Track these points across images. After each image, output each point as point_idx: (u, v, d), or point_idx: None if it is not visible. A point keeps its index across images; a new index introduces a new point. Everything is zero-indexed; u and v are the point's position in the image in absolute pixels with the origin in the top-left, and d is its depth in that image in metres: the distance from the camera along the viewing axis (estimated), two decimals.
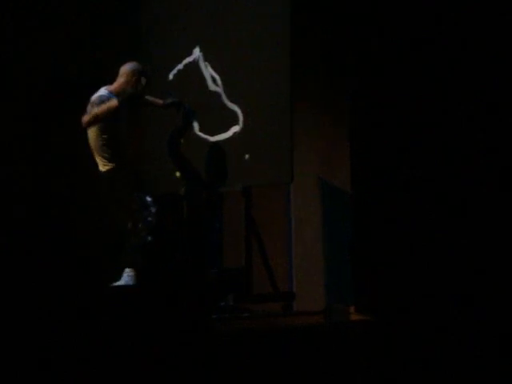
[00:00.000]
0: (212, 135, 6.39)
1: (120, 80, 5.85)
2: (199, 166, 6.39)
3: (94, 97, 5.76)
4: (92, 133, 5.78)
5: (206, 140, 6.41)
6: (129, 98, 5.81)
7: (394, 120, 5.63)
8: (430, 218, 5.49)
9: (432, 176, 5.56)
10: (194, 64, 6.50)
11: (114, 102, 5.67)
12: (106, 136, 5.74)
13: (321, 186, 6.63)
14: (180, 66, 6.57)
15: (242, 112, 6.25)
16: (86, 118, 5.72)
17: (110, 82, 5.88)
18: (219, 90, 6.38)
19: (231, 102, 6.31)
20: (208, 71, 6.44)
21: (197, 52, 6.49)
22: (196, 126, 6.47)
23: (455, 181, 5.47)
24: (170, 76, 6.61)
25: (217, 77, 6.40)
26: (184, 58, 6.54)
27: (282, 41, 6.08)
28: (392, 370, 5.12)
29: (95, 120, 5.69)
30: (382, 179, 5.80)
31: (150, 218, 5.81)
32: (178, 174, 6.46)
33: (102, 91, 5.79)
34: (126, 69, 5.86)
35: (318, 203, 6.64)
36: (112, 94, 5.76)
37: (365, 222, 5.81)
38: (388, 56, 5.63)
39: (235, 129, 6.29)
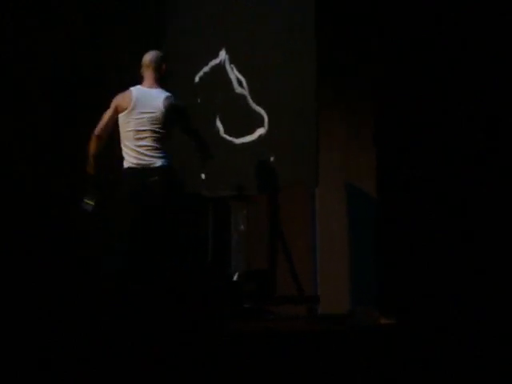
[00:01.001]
0: (237, 137, 6.40)
1: (153, 72, 5.82)
2: (224, 168, 6.40)
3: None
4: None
5: (231, 142, 6.42)
6: None
7: (421, 125, 5.61)
8: (457, 222, 5.47)
9: (458, 180, 5.54)
10: (220, 66, 6.51)
11: None
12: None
13: (346, 190, 6.62)
14: (206, 69, 6.58)
15: (268, 114, 6.25)
16: None
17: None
18: (245, 92, 6.38)
19: (257, 104, 6.31)
20: (234, 73, 6.45)
21: (223, 54, 6.50)
22: (221, 128, 6.47)
23: (481, 184, 5.44)
24: (197, 78, 6.63)
25: (242, 79, 6.40)
26: (210, 60, 6.56)
27: (307, 44, 6.06)
28: (417, 374, 5.09)
29: None
30: (407, 184, 5.78)
31: None
32: (203, 175, 6.47)
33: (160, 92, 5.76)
34: (153, 58, 5.80)
35: (344, 207, 6.62)
36: None
37: (390, 225, 5.79)
38: (414, 60, 5.61)
39: (260, 131, 6.29)
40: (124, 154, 5.67)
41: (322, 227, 6.72)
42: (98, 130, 5.64)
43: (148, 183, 5.61)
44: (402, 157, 5.95)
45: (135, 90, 5.69)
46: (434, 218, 5.65)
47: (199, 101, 6.59)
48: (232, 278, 6.14)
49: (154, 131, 5.63)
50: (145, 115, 5.64)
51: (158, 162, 5.64)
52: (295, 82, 6.14)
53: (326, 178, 6.29)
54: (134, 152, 5.63)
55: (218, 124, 6.49)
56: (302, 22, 6.11)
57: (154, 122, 5.64)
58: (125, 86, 5.98)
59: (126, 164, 5.66)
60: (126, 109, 5.65)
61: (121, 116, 5.66)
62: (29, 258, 6.58)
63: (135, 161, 5.62)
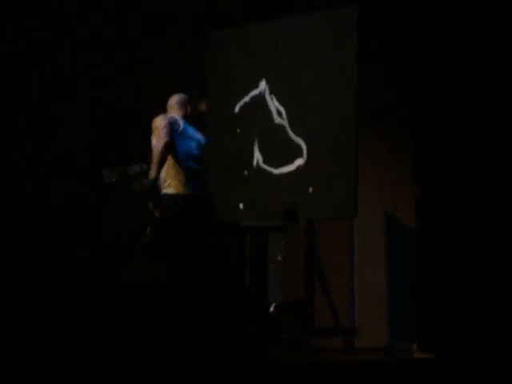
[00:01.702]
0: (276, 168, 6.40)
1: (177, 112, 5.97)
2: (262, 198, 6.40)
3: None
4: None
5: (269, 172, 6.42)
6: None
7: (459, 157, 5.57)
8: (501, 255, 5.39)
9: (500, 213, 5.47)
10: (260, 97, 6.53)
11: None
12: None
13: (385, 221, 6.58)
14: (246, 99, 6.61)
15: (307, 145, 6.25)
16: None
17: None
18: (284, 122, 6.39)
19: (296, 134, 6.32)
20: (274, 104, 6.46)
21: (263, 85, 6.53)
22: (260, 158, 6.49)
23: None
24: (237, 108, 6.65)
25: (282, 110, 6.41)
26: (250, 90, 6.58)
27: (347, 76, 6.08)
28: None
29: None
30: (447, 215, 5.72)
31: None
32: (241, 205, 6.47)
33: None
34: (176, 99, 6.02)
35: (382, 238, 6.58)
36: None
37: (430, 258, 5.73)
38: (453, 94, 5.58)
39: (299, 162, 6.29)
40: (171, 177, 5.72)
41: (360, 258, 6.68)
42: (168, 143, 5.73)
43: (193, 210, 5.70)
44: (442, 188, 5.90)
45: (176, 117, 5.86)
46: (476, 251, 5.58)
47: (239, 131, 6.61)
48: (269, 308, 6.11)
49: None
50: (192, 142, 5.80)
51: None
52: (334, 113, 6.14)
53: (364, 209, 6.24)
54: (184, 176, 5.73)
55: (257, 154, 6.50)
56: (342, 55, 6.12)
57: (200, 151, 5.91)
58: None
59: (173, 190, 5.74)
60: (176, 130, 5.76)
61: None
62: (29, 258, 6.57)
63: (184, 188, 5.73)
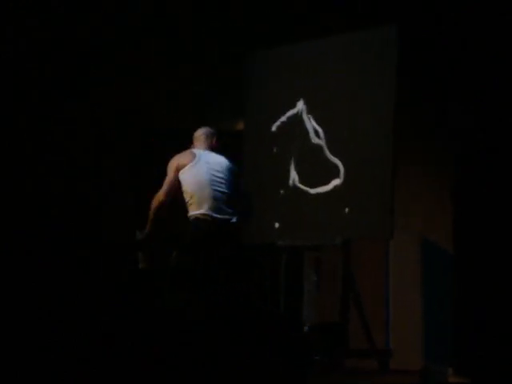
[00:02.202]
0: (312, 187, 6.39)
1: (203, 143, 5.99)
2: (298, 218, 6.39)
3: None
4: None
5: (306, 192, 6.42)
6: None
7: (499, 182, 5.53)
8: None
9: None
10: (297, 116, 6.54)
11: None
12: None
13: (422, 244, 6.54)
14: (283, 118, 6.62)
15: (344, 165, 6.25)
16: None
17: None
18: (321, 142, 6.39)
19: (333, 155, 6.31)
20: (311, 124, 6.46)
21: (300, 104, 6.53)
22: (297, 177, 6.49)
23: None
24: (274, 128, 6.66)
25: (319, 130, 6.41)
26: (287, 110, 6.59)
27: (385, 97, 6.07)
28: None
29: None
30: (485, 239, 5.68)
31: None
32: (277, 224, 6.47)
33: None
34: (203, 131, 6.02)
35: (418, 260, 6.54)
36: None
37: (467, 282, 5.68)
38: (495, 123, 5.56)
39: (336, 182, 6.28)
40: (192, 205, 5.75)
41: (396, 280, 6.64)
42: (163, 195, 5.77)
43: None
44: (480, 211, 5.86)
45: (193, 149, 5.91)
46: None
47: (275, 150, 6.61)
48: (303, 329, 6.09)
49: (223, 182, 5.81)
50: (215, 166, 5.77)
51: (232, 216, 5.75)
52: (372, 134, 6.13)
53: (400, 231, 6.22)
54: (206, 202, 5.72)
55: (294, 173, 6.50)
56: (381, 76, 6.12)
57: (223, 174, 5.85)
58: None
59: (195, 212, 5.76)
60: (188, 163, 5.79)
61: (184, 170, 5.79)
62: (29, 258, 6.58)
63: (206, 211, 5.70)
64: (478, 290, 5.59)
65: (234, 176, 5.97)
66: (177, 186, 5.81)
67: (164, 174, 5.89)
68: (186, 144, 6.02)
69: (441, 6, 6.19)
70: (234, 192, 5.90)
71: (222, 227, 5.74)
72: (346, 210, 6.17)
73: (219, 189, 5.80)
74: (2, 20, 6.94)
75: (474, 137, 5.81)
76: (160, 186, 5.84)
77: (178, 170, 5.82)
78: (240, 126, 7.06)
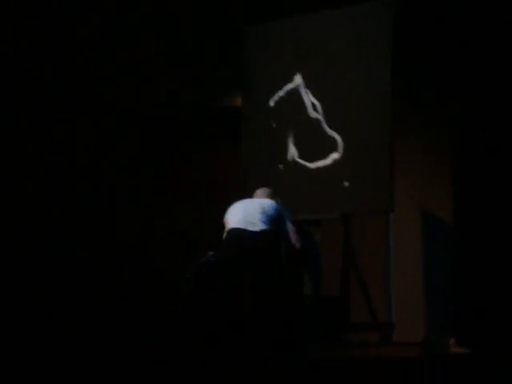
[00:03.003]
0: (311, 162, 6.38)
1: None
2: (298, 192, 6.39)
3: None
4: None
5: (305, 166, 6.40)
6: None
7: (497, 154, 5.52)
8: None
9: None
10: (295, 91, 6.52)
11: None
12: None
13: (422, 216, 6.53)
14: (281, 93, 6.60)
15: (342, 139, 6.23)
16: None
17: None
18: (319, 116, 6.37)
19: (331, 128, 6.30)
20: (309, 98, 6.44)
21: (298, 79, 6.51)
22: (296, 152, 6.47)
23: None
24: (271, 103, 6.64)
25: (317, 103, 6.39)
26: (285, 85, 6.57)
27: (383, 70, 6.06)
28: None
29: None
30: (484, 210, 5.67)
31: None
32: (278, 199, 6.46)
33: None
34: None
35: (419, 233, 6.54)
36: None
37: (467, 254, 5.68)
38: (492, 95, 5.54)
39: (335, 156, 6.27)
40: None
41: (397, 253, 6.64)
42: None
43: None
44: (480, 182, 5.85)
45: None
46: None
47: (274, 125, 6.60)
48: (305, 303, 6.09)
49: None
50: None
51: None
52: (370, 108, 6.12)
53: (401, 204, 6.21)
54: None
55: (292, 148, 6.48)
56: (378, 50, 6.10)
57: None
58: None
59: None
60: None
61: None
62: (29, 258, 6.60)
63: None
64: (478, 262, 5.59)
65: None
66: None
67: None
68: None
69: (440, 5, 6.17)
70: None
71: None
72: (346, 183, 6.16)
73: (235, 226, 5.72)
74: (2, 20, 6.95)
75: (473, 109, 5.80)
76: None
77: None
78: (238, 101, 7.04)
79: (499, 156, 5.68)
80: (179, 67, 7.20)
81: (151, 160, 7.34)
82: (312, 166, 6.37)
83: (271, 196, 5.94)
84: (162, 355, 4.92)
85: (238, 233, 5.60)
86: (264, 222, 5.61)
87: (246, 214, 5.65)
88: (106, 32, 7.12)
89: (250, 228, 5.59)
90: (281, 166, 6.50)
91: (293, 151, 6.49)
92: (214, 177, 7.22)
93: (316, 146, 6.35)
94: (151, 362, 4.79)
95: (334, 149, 6.25)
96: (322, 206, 6.25)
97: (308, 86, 6.45)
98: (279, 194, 6.42)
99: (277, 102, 6.62)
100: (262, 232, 5.57)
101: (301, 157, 6.44)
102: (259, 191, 5.97)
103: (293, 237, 5.70)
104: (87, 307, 5.43)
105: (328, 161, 6.29)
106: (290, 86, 6.55)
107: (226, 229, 5.68)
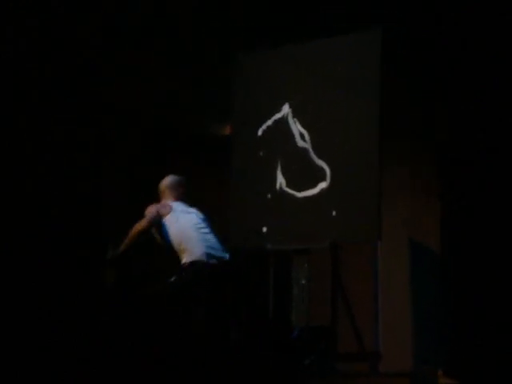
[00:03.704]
0: (299, 191, 6.39)
1: (169, 196, 5.87)
2: (286, 221, 6.38)
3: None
4: None
5: (293, 196, 6.41)
6: None
7: (485, 182, 5.54)
8: None
9: None
10: (283, 120, 6.53)
11: None
12: None
13: (409, 245, 6.54)
14: (269, 122, 6.61)
15: (330, 168, 6.24)
16: None
17: None
18: (307, 146, 6.39)
19: (319, 158, 6.31)
20: (296, 127, 6.46)
21: (286, 108, 6.53)
22: (284, 181, 6.48)
23: None
24: (260, 132, 6.65)
25: (305, 133, 6.41)
26: (273, 114, 6.58)
27: (371, 100, 6.07)
28: None
29: None
30: (472, 239, 5.69)
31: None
32: (264, 229, 6.46)
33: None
34: (167, 184, 5.89)
35: (406, 262, 6.54)
36: None
37: (455, 282, 5.69)
38: (478, 121, 5.57)
39: (322, 185, 6.28)
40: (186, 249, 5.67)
41: (385, 283, 6.64)
42: (146, 224, 5.67)
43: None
44: (467, 212, 5.87)
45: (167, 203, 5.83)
46: (503, 274, 5.55)
47: (262, 154, 6.61)
48: (292, 333, 6.08)
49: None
50: (191, 214, 5.74)
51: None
52: (358, 137, 6.13)
53: (388, 233, 6.22)
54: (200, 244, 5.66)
55: (280, 177, 6.49)
56: (366, 80, 6.12)
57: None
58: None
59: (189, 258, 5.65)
60: (168, 212, 5.70)
61: (165, 220, 5.70)
62: (29, 258, 6.57)
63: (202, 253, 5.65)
64: (466, 291, 5.60)
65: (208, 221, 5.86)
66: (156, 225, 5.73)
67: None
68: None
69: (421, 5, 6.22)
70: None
71: (219, 268, 5.65)
72: (334, 213, 6.17)
73: (205, 230, 5.74)
74: (2, 20, 6.93)
75: (460, 138, 5.83)
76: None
77: (158, 214, 5.71)
78: (227, 130, 7.06)
79: (486, 183, 5.71)
80: (179, 67, 7.19)
81: (151, 160, 7.32)
82: (300, 195, 6.37)
83: (178, 187, 5.85)
84: (156, 358, 4.92)
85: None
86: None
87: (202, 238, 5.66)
88: (106, 32, 7.11)
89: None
90: (269, 195, 6.50)
91: (281, 180, 6.49)
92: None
93: (304, 175, 6.36)
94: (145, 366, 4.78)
95: (322, 178, 6.26)
96: (311, 236, 6.25)
97: (296, 115, 6.47)
98: (267, 224, 6.44)
99: (265, 131, 6.63)
100: None
101: (289, 186, 6.45)
102: (166, 190, 5.86)
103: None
104: (87, 307, 5.39)
105: (316, 190, 6.29)
106: (278, 116, 6.57)
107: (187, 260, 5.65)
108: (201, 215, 5.82)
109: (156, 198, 5.90)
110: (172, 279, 5.56)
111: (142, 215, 5.73)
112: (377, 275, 6.67)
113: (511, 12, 5.61)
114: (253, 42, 6.85)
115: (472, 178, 5.62)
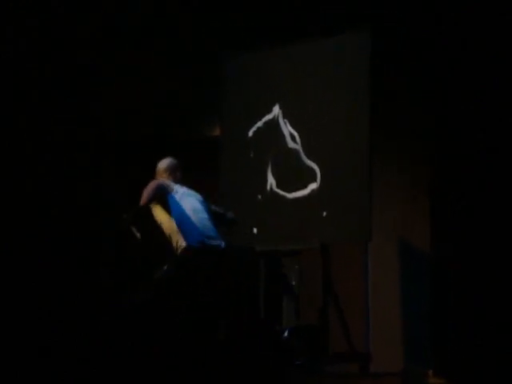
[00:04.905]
0: (290, 192, 6.40)
1: (168, 179, 5.82)
2: (276, 222, 6.39)
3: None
4: None
5: (283, 197, 6.42)
6: None
7: (474, 180, 5.56)
8: None
9: None
10: (274, 121, 6.55)
11: None
12: None
13: (399, 245, 6.56)
14: (260, 124, 6.62)
15: (320, 169, 6.26)
16: None
17: None
18: (298, 147, 6.40)
19: (309, 159, 6.32)
20: (287, 128, 6.47)
21: (276, 109, 6.54)
22: (274, 182, 6.49)
23: None
24: (250, 133, 6.66)
25: (296, 134, 6.42)
26: (264, 115, 6.60)
27: (361, 100, 6.09)
28: None
29: None
30: (462, 239, 5.70)
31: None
32: (255, 229, 6.47)
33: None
34: (167, 166, 5.85)
35: (397, 262, 6.56)
36: None
37: (444, 283, 5.70)
38: (468, 119, 5.59)
39: (313, 186, 6.29)
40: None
41: (375, 283, 6.65)
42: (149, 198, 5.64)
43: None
44: (457, 211, 5.88)
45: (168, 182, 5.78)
46: (491, 274, 5.56)
47: (252, 155, 6.62)
48: (283, 334, 6.08)
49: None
50: (192, 197, 5.70)
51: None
52: (348, 138, 6.15)
53: (378, 233, 6.23)
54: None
55: (271, 178, 6.50)
56: (356, 80, 6.14)
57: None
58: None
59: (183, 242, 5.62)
60: (170, 192, 5.67)
61: (170, 197, 5.67)
62: (29, 258, 6.57)
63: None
64: (455, 292, 5.61)
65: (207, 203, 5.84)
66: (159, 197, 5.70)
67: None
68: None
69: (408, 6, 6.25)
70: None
71: (214, 254, 5.64)
72: (324, 213, 6.18)
73: (206, 216, 5.72)
74: (2, 20, 6.93)
75: (449, 137, 5.84)
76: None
77: (164, 185, 5.69)
78: (217, 131, 7.06)
79: (478, 184, 5.72)
80: (179, 67, 7.20)
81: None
82: (290, 196, 6.39)
83: (176, 170, 5.81)
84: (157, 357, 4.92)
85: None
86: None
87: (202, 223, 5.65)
88: (106, 32, 7.11)
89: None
90: (259, 196, 6.51)
91: (271, 181, 6.50)
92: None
93: (294, 176, 6.38)
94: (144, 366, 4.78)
95: (312, 179, 6.28)
96: (301, 237, 6.26)
97: (286, 116, 6.48)
98: (258, 225, 6.45)
99: (255, 133, 6.65)
100: None
101: (279, 187, 6.46)
102: (164, 172, 5.80)
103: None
104: (87, 307, 5.39)
105: (306, 191, 6.31)
106: (268, 117, 6.58)
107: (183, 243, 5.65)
108: (200, 197, 5.78)
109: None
110: (165, 268, 5.56)
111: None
112: (367, 276, 6.69)
113: (511, 12, 5.63)
114: (253, 42, 6.85)
115: (464, 179, 5.64)
